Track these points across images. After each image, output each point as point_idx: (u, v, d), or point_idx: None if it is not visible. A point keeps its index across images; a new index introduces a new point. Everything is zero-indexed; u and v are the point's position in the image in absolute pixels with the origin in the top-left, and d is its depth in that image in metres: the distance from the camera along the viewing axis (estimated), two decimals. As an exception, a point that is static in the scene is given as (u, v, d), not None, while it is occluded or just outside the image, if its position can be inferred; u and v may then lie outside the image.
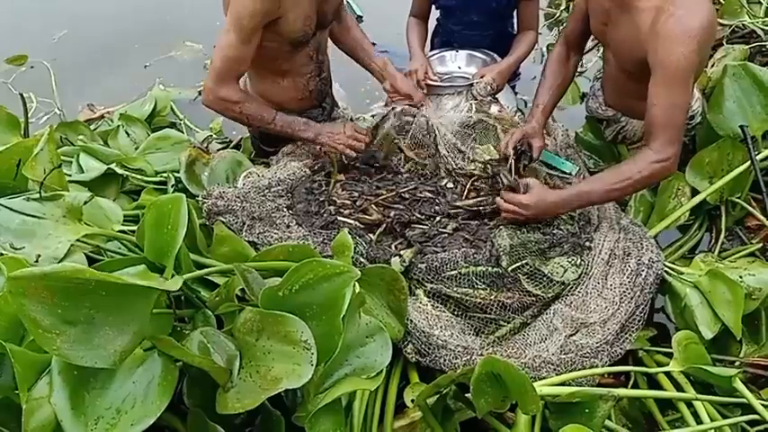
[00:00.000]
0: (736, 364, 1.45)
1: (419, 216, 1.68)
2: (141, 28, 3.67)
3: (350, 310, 1.04)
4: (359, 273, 1.05)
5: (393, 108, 1.96)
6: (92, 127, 2.18)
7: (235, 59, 1.67)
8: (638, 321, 1.47)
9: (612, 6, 1.63)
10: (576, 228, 1.66)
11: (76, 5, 3.96)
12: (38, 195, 1.25)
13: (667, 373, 1.37)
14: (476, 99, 1.99)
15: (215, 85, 1.70)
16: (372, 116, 2.03)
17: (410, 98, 1.94)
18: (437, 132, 1.89)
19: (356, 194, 1.73)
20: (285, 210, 1.62)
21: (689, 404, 1.31)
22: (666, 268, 1.60)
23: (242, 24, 1.61)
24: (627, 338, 1.46)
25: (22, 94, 2.07)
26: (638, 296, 1.49)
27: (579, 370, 1.35)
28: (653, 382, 1.41)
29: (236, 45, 1.64)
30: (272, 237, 1.53)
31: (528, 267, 1.52)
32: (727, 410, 1.33)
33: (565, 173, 1.86)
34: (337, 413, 1.05)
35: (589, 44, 2.82)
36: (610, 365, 1.39)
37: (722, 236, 1.78)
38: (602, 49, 1.95)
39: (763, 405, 1.27)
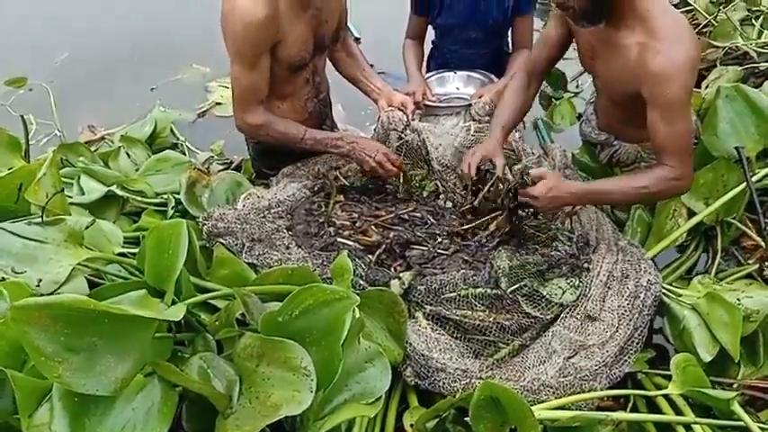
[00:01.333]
0: (735, 386, 1.45)
1: (418, 237, 1.69)
2: (147, 51, 3.71)
3: (349, 335, 1.05)
4: (358, 299, 1.06)
5: (379, 117, 1.97)
6: (92, 148, 2.19)
7: (248, 87, 1.72)
8: (637, 344, 1.47)
9: (597, 43, 1.65)
10: (575, 249, 1.67)
11: (80, 28, 4.00)
12: (40, 220, 1.26)
13: (666, 396, 1.37)
14: (474, 119, 2.01)
15: (240, 112, 1.77)
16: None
17: (404, 107, 1.95)
18: (430, 149, 1.91)
19: (355, 215, 1.74)
20: (285, 231, 1.63)
21: (688, 427, 1.32)
22: (665, 290, 1.61)
23: (243, 54, 1.65)
24: (626, 361, 1.46)
25: (22, 116, 2.09)
26: (637, 318, 1.49)
27: (578, 393, 1.35)
28: (652, 405, 1.41)
29: (245, 74, 1.69)
30: (271, 258, 1.53)
31: (527, 289, 1.53)
32: (725, 433, 1.33)
33: None
34: (337, 439, 1.05)
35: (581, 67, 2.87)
36: (609, 388, 1.39)
37: (718, 256, 1.79)
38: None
39: (761, 428, 1.27)
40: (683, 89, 1.49)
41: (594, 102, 2.06)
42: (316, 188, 1.83)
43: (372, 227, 1.70)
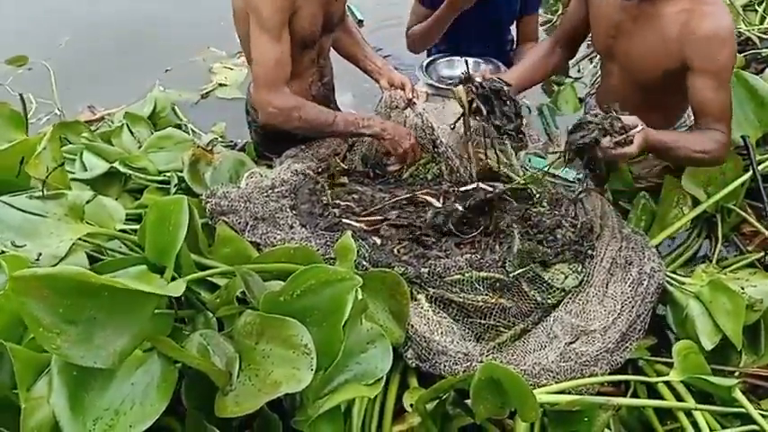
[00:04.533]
0: (736, 374, 1.44)
1: (422, 220, 1.68)
2: (163, 31, 3.68)
3: (351, 316, 1.05)
4: (361, 280, 1.05)
5: (381, 99, 1.94)
6: (92, 128, 2.17)
7: (277, 62, 1.64)
8: (639, 331, 1.47)
9: (626, 18, 1.61)
10: (579, 235, 1.66)
11: (92, 10, 3.96)
12: (40, 193, 1.25)
13: (667, 383, 1.36)
14: None
15: (267, 95, 1.66)
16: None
17: (403, 88, 1.92)
18: (435, 130, 1.89)
19: (359, 197, 1.72)
20: (288, 210, 1.62)
21: (688, 414, 1.31)
22: (668, 278, 1.60)
23: (269, 22, 1.60)
24: (627, 347, 1.45)
25: (21, 95, 2.06)
26: (639, 305, 1.49)
27: (578, 378, 1.35)
28: (652, 392, 1.41)
29: (272, 46, 1.62)
30: (275, 237, 1.52)
31: (530, 273, 1.52)
32: (726, 421, 1.33)
33: (569, 180, 1.85)
34: (337, 418, 1.05)
35: (583, 51, 2.84)
36: (609, 374, 1.39)
37: (719, 243, 1.78)
38: (598, 63, 1.93)
39: (762, 415, 1.27)
40: (734, 52, 1.49)
41: (597, 92, 2.03)
42: (319, 170, 1.82)
43: (376, 209, 1.70)
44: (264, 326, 1.02)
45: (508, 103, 1.68)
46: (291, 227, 1.57)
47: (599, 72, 2.11)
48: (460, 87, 1.69)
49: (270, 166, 1.86)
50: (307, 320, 1.03)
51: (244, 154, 1.97)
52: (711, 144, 1.57)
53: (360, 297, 1.07)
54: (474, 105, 1.70)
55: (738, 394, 1.27)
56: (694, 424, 1.26)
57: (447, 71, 2.22)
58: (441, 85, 2.12)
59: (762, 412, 1.28)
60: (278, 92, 1.66)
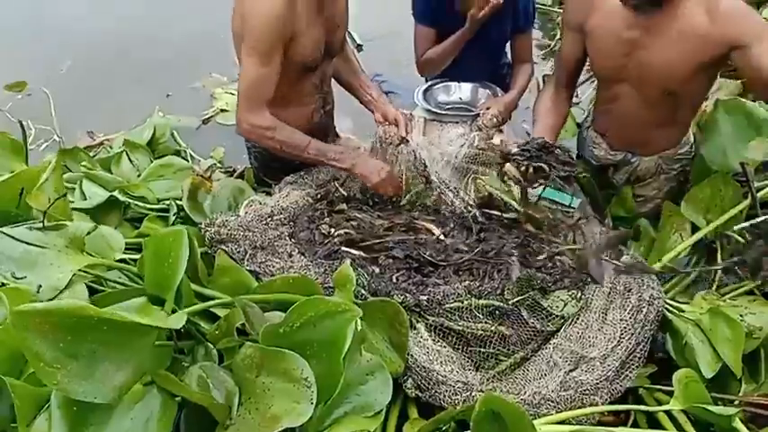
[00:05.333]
0: (736, 402, 1.44)
1: (423, 247, 1.68)
2: (165, 56, 3.70)
3: (351, 347, 1.05)
4: (360, 311, 1.05)
5: (376, 134, 1.96)
6: (91, 154, 2.19)
7: (259, 83, 1.68)
8: (639, 359, 1.46)
9: (638, 32, 1.62)
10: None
11: (92, 34, 3.99)
12: (41, 225, 1.26)
13: (667, 412, 1.36)
14: (480, 130, 2.01)
15: (244, 112, 1.72)
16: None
17: (396, 124, 1.94)
18: (428, 163, 1.90)
19: (357, 224, 1.73)
20: (287, 238, 1.63)
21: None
22: (667, 305, 1.60)
23: (258, 46, 1.64)
24: (627, 376, 1.45)
25: (20, 121, 2.07)
26: (639, 333, 1.48)
27: (579, 407, 1.34)
28: (653, 421, 1.40)
29: (256, 68, 1.66)
30: (273, 266, 1.53)
31: (529, 300, 1.53)
32: (727, 451, 1.32)
33: (566, 206, 1.86)
34: (335, 452, 1.04)
35: (583, 76, 2.87)
36: (610, 403, 1.38)
37: (719, 271, 1.79)
38: (595, 91, 1.94)
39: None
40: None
41: (598, 122, 2.02)
42: (318, 196, 1.83)
43: (374, 237, 1.70)
44: (264, 359, 1.02)
45: (556, 150, 1.68)
46: (290, 255, 1.57)
47: (592, 102, 2.10)
48: (510, 167, 1.69)
49: (269, 193, 1.86)
50: (306, 353, 1.03)
51: (243, 181, 1.98)
52: None
53: (359, 328, 1.07)
54: (530, 171, 1.70)
55: (738, 424, 1.26)
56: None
57: (444, 97, 2.25)
58: (439, 111, 2.14)
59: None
60: (255, 111, 1.72)
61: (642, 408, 1.39)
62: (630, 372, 1.46)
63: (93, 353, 0.90)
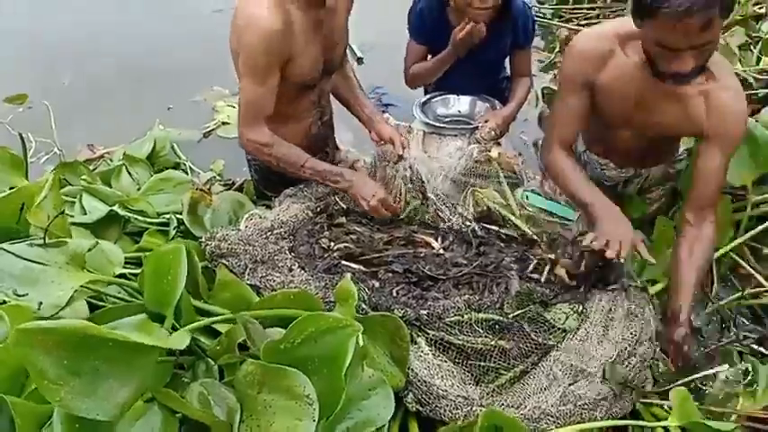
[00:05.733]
0: (733, 417, 1.44)
1: (422, 261, 1.69)
2: (166, 69, 3.71)
3: (353, 363, 1.05)
4: (361, 327, 1.06)
5: (375, 152, 1.97)
6: (91, 167, 2.19)
7: (254, 102, 1.71)
8: (641, 379, 1.46)
9: (649, 95, 1.62)
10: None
11: (93, 47, 4.00)
12: (41, 241, 1.26)
13: (665, 428, 1.36)
14: (479, 143, 2.02)
15: (243, 128, 1.75)
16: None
17: (392, 143, 1.95)
18: (425, 179, 1.91)
19: (357, 238, 1.74)
20: (287, 252, 1.63)
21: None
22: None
23: (254, 66, 1.65)
24: (628, 398, 1.45)
25: (21, 134, 2.08)
26: (638, 356, 1.48)
27: (578, 422, 1.34)
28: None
29: (253, 88, 1.68)
30: (274, 280, 1.53)
31: (530, 314, 1.53)
32: (727, 466, 1.32)
33: (566, 219, 1.87)
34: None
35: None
36: (608, 418, 1.38)
37: (716, 284, 1.80)
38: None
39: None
40: (743, 132, 1.61)
41: (594, 148, 2.02)
42: (318, 209, 1.84)
43: (374, 251, 1.71)
44: (266, 376, 1.02)
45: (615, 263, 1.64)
46: (290, 269, 1.58)
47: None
48: (562, 272, 1.65)
49: (269, 206, 1.87)
50: (308, 368, 1.03)
51: (242, 194, 1.99)
52: (710, 249, 1.66)
53: (361, 343, 1.08)
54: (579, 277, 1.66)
55: (740, 438, 1.27)
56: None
57: (442, 110, 2.26)
58: (437, 124, 2.15)
59: (762, 456, 1.28)
60: (253, 127, 1.75)
61: (642, 423, 1.39)
62: (630, 394, 1.46)
63: (95, 370, 0.90)
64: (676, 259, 1.65)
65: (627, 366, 1.45)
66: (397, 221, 1.87)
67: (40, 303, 1.15)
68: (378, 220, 1.85)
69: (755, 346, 1.71)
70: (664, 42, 1.40)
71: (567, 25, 3.88)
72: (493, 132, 2.03)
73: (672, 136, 1.84)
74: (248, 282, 1.53)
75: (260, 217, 1.74)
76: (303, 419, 0.95)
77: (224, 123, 3.17)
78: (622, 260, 1.56)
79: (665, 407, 1.44)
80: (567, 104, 1.74)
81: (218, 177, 2.46)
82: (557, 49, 3.67)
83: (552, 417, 1.35)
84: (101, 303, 1.34)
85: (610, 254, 1.50)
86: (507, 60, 2.37)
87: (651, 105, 1.64)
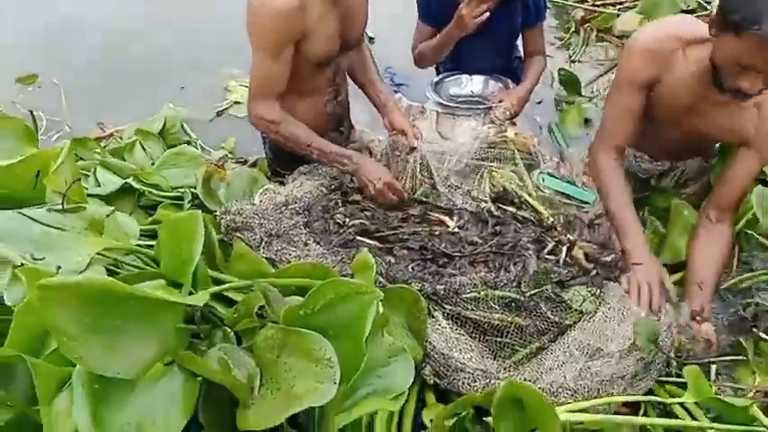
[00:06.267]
0: (750, 394, 1.43)
1: (437, 239, 1.68)
2: (179, 48, 3.68)
3: (373, 330, 1.04)
4: (381, 293, 1.05)
5: (390, 139, 1.95)
6: (102, 144, 2.18)
7: (266, 77, 1.70)
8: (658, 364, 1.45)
9: (703, 103, 1.61)
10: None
11: (106, 27, 3.97)
12: (60, 207, 1.25)
13: (682, 405, 1.35)
14: (494, 123, 2.00)
15: (253, 104, 1.75)
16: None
17: (404, 133, 1.93)
18: (434, 171, 1.88)
19: (371, 215, 1.73)
20: (302, 228, 1.62)
21: (707, 435, 1.29)
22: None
23: (268, 42, 1.64)
24: (645, 377, 1.44)
25: (31, 112, 2.06)
26: (656, 358, 1.45)
27: (595, 396, 1.34)
28: (664, 414, 1.39)
29: (266, 63, 1.67)
30: (290, 254, 1.53)
31: (547, 293, 1.52)
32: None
33: (583, 202, 1.85)
34: (357, 433, 1.04)
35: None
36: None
37: (734, 269, 1.78)
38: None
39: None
40: None
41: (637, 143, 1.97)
42: (332, 187, 1.83)
43: (389, 228, 1.70)
44: (286, 339, 1.01)
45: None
46: (306, 244, 1.57)
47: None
48: (580, 254, 1.65)
49: (282, 183, 1.86)
50: (328, 334, 1.02)
51: (257, 170, 1.98)
52: (726, 248, 1.67)
53: (381, 311, 1.07)
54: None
55: (757, 411, 1.25)
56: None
57: (455, 89, 2.24)
58: (450, 104, 2.13)
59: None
60: (264, 103, 1.74)
61: (659, 399, 1.38)
62: (648, 374, 1.45)
63: (116, 328, 0.89)
64: (695, 253, 1.67)
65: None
66: (411, 199, 1.85)
67: (59, 267, 1.14)
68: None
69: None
70: (741, 60, 1.38)
71: (581, 5, 3.83)
72: (508, 112, 2.01)
73: (717, 140, 1.83)
74: (264, 255, 1.53)
75: (274, 192, 1.73)
76: (324, 382, 0.94)
77: (236, 103, 3.16)
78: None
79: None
80: (625, 105, 1.69)
81: (229, 155, 2.45)
82: (572, 29, 3.64)
83: (570, 390, 1.34)
84: (118, 271, 1.33)
85: (637, 309, 1.51)
86: (520, 40, 2.35)
87: (703, 112, 1.63)
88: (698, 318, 1.57)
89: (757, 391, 1.44)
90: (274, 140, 1.83)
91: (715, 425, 1.27)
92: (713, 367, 1.55)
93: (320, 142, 1.79)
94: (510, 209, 1.82)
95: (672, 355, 1.47)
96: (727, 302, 1.71)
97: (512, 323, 1.47)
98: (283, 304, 1.10)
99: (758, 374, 1.54)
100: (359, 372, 1.00)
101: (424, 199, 1.87)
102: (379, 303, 1.05)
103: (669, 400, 1.37)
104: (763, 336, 1.59)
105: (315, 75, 1.86)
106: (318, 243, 1.58)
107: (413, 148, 1.88)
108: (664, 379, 1.49)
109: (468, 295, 1.48)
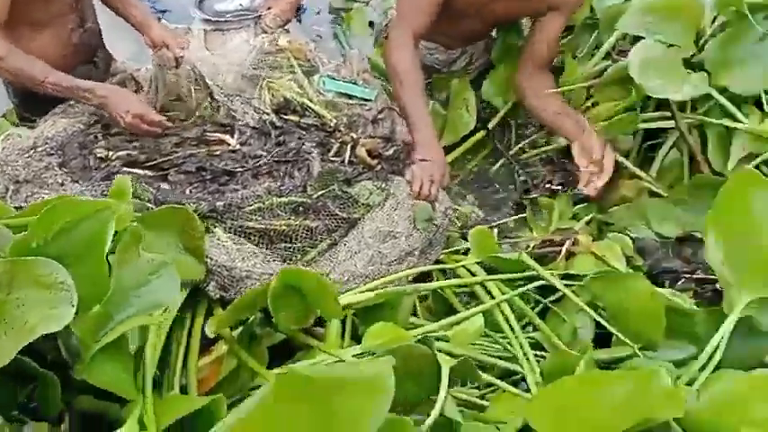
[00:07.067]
0: (525, 246, 1.58)
1: (217, 158, 1.60)
2: None
3: (123, 247, 0.96)
4: (123, 207, 0.97)
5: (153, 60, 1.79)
6: None
7: None
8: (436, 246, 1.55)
9: None
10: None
11: None
12: None
13: (465, 267, 1.45)
14: (266, 33, 1.92)
15: None
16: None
17: (167, 46, 1.76)
18: (210, 82, 1.78)
19: (140, 144, 1.59)
20: (56, 168, 1.45)
21: (489, 292, 1.40)
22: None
23: None
24: (433, 249, 1.54)
25: None
26: (436, 235, 1.56)
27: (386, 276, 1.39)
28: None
29: None
30: (42, 199, 1.36)
31: (334, 192, 1.53)
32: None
33: (365, 99, 1.87)
34: (123, 358, 0.96)
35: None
36: (413, 270, 1.44)
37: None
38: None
39: (549, 272, 1.37)
40: None
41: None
42: (91, 122, 1.65)
43: (162, 155, 1.58)
44: (14, 272, 0.89)
45: None
46: (62, 184, 1.42)
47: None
48: (363, 152, 1.66)
49: (32, 127, 1.64)
50: (67, 262, 0.92)
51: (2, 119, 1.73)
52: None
53: (130, 226, 0.99)
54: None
55: (526, 258, 1.37)
56: (489, 294, 1.35)
57: (221, 5, 2.09)
58: (218, 19, 2.01)
59: (550, 270, 1.39)
60: None
61: (443, 267, 1.47)
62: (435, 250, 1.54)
63: None
64: (539, 108, 1.84)
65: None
66: (188, 123, 1.74)
67: None
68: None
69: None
70: None
71: None
72: (278, 19, 1.94)
73: (517, 18, 1.93)
74: (13, 205, 1.35)
75: (19, 136, 1.53)
76: (59, 306, 0.84)
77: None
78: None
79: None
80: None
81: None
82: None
83: (360, 277, 1.38)
84: None
85: (415, 196, 1.54)
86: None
87: None
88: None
89: (528, 246, 1.58)
90: (4, 79, 1.60)
91: (490, 276, 1.38)
92: (495, 231, 1.69)
93: (58, 76, 1.58)
94: (293, 117, 1.78)
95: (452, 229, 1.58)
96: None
97: (300, 226, 1.46)
98: (10, 239, 0.97)
99: (535, 231, 1.70)
100: (108, 294, 0.92)
101: (206, 115, 1.75)
102: (131, 222, 0.97)
103: (453, 265, 1.47)
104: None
105: (51, 1, 1.64)
106: (77, 182, 1.43)
107: (178, 60, 1.72)
108: (451, 249, 1.59)
109: (252, 207, 1.44)
